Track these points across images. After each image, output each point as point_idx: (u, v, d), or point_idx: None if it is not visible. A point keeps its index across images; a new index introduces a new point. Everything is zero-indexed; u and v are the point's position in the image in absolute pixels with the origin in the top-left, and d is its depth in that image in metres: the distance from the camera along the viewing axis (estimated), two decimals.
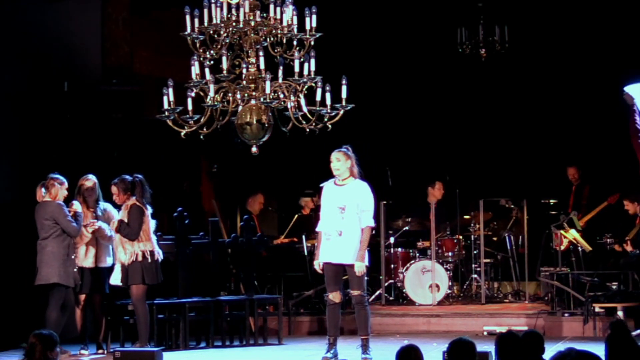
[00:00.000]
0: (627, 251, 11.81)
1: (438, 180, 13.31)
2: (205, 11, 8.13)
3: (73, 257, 9.86)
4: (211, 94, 8.14)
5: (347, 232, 9.02)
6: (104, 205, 10.27)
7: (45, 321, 9.54)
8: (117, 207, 10.12)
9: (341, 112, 8.21)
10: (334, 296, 9.09)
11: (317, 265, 9.21)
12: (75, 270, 9.85)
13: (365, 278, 9.30)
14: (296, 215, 13.00)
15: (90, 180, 10.19)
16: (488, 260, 13.08)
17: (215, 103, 8.20)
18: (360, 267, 9.05)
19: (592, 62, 13.77)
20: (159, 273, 9.94)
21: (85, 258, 10.09)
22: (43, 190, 9.88)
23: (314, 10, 8.12)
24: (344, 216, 9.04)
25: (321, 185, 9.36)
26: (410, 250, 13.01)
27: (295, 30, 8.22)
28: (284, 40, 8.23)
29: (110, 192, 10.13)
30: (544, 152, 13.97)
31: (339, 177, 9.12)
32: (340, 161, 9.08)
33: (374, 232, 12.96)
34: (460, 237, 13.05)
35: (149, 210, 9.89)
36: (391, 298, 12.96)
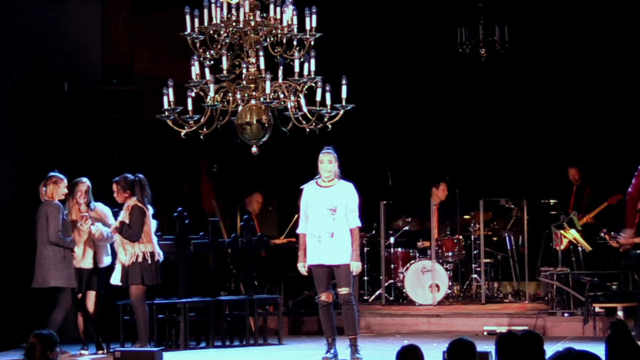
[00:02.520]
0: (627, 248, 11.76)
1: (443, 181, 13.32)
2: (205, 11, 8.13)
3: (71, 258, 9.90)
4: (211, 94, 8.13)
5: (339, 234, 9.02)
6: (94, 204, 10.26)
7: (49, 321, 9.54)
8: (111, 206, 10.11)
9: (341, 112, 8.20)
10: (327, 296, 9.09)
11: (303, 267, 9.19)
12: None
13: (353, 277, 9.27)
14: (296, 215, 12.98)
15: (85, 183, 10.17)
16: (488, 260, 13.08)
17: (215, 103, 8.19)
18: (358, 267, 9.08)
19: (592, 61, 13.77)
20: (159, 274, 9.94)
21: (83, 259, 10.08)
22: (44, 189, 9.90)
23: (314, 10, 8.11)
24: (335, 217, 9.03)
25: (301, 187, 9.33)
26: (410, 250, 13.02)
27: (295, 30, 8.21)
28: (284, 40, 8.22)
29: (105, 192, 10.15)
30: (545, 152, 13.97)
31: (327, 178, 9.11)
32: (332, 163, 9.09)
33: (374, 232, 13.08)
34: (460, 237, 13.06)
35: (150, 211, 9.88)
36: (391, 298, 12.97)
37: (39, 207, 9.86)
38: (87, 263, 10.10)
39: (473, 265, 13.08)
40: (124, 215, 9.84)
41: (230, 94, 8.27)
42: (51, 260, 9.75)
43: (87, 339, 10.24)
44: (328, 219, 9.04)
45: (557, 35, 13.89)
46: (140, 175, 9.96)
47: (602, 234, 11.74)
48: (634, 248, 11.68)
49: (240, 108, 8.27)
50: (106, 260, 10.20)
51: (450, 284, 12.67)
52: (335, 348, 9.15)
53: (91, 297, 10.18)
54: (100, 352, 10.17)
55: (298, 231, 9.37)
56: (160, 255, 9.96)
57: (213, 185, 13.79)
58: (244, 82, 8.22)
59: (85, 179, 10.19)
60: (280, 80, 8.22)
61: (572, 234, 12.28)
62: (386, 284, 12.86)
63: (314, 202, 9.14)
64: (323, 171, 9.10)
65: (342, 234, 9.03)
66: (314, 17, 8.12)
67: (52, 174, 9.95)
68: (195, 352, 10.34)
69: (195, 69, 8.16)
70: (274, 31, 8.20)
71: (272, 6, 8.18)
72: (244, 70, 8.24)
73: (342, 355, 9.13)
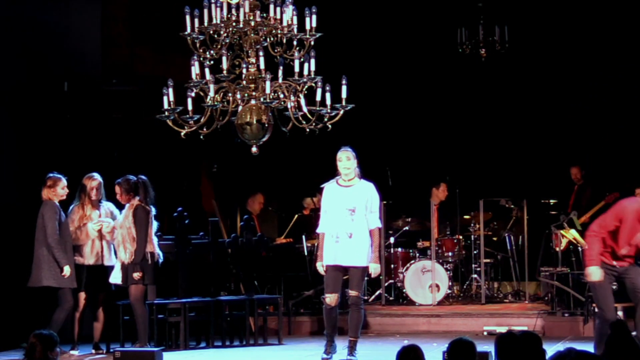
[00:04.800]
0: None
1: (443, 181, 13.32)
2: (205, 11, 8.12)
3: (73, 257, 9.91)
4: (211, 94, 8.13)
5: (357, 234, 8.96)
6: (106, 204, 10.27)
7: (50, 321, 9.55)
8: (120, 206, 10.13)
9: (341, 112, 8.20)
10: (331, 299, 9.02)
11: (321, 266, 9.12)
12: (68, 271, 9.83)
13: (365, 281, 9.25)
14: (296, 215, 12.99)
15: (96, 179, 10.18)
16: (488, 260, 13.08)
17: (215, 103, 8.19)
18: (377, 269, 9.06)
19: (592, 61, 13.77)
20: (159, 274, 9.94)
21: (90, 256, 10.09)
22: (43, 191, 9.92)
23: (314, 10, 8.11)
24: (354, 218, 8.97)
25: (322, 186, 9.30)
26: (410, 250, 13.02)
27: (295, 30, 8.21)
28: (284, 40, 8.22)
29: (112, 191, 10.15)
30: (545, 152, 13.98)
31: (347, 177, 9.07)
32: (350, 160, 9.03)
33: None
34: (460, 237, 13.06)
35: (152, 212, 9.89)
36: (391, 298, 12.97)
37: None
38: (93, 260, 10.10)
39: (473, 265, 13.08)
40: (126, 213, 9.85)
41: (230, 94, 8.26)
42: (45, 260, 9.76)
43: (79, 339, 10.20)
44: (347, 219, 8.98)
45: (557, 35, 13.90)
46: (143, 177, 9.96)
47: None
48: None
49: (240, 108, 8.27)
50: (113, 259, 10.18)
51: (450, 284, 12.67)
52: (334, 346, 9.13)
53: (101, 297, 10.19)
54: (100, 352, 10.16)
55: (318, 230, 9.30)
56: (159, 256, 9.97)
57: (213, 185, 13.79)
58: (244, 82, 8.21)
59: (96, 175, 10.19)
60: (280, 80, 8.21)
61: (572, 234, 12.28)
62: (386, 284, 12.86)
63: (333, 202, 9.08)
64: (342, 169, 9.04)
65: (360, 235, 8.97)
66: (314, 17, 8.11)
67: (50, 175, 9.95)
68: (195, 352, 10.34)
69: (195, 69, 8.15)
70: (274, 31, 8.20)
71: (272, 6, 8.18)
72: (244, 70, 8.23)
73: (340, 356, 9.10)
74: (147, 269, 9.82)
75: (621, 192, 12.29)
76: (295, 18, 8.20)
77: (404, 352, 5.53)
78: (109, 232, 10.07)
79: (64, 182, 9.96)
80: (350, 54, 13.55)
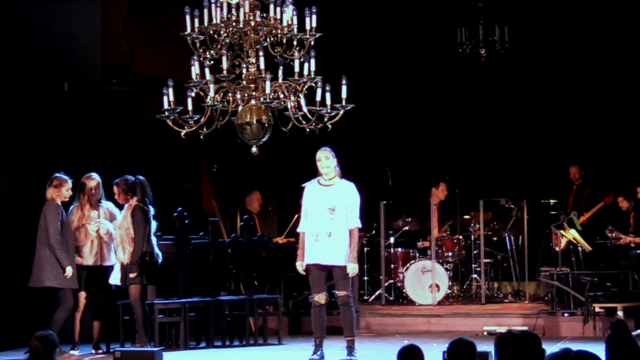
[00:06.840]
0: (631, 247, 11.78)
1: (442, 181, 13.32)
2: (205, 11, 8.13)
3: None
4: (211, 94, 8.14)
5: (337, 234, 8.97)
6: (106, 204, 10.28)
7: (51, 321, 9.55)
8: (119, 206, 10.13)
9: (341, 112, 8.20)
10: (320, 297, 9.04)
11: (301, 266, 9.15)
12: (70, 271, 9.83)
13: (351, 279, 9.22)
14: (296, 215, 12.98)
15: (94, 179, 10.18)
16: (488, 260, 13.08)
17: (215, 103, 8.20)
18: (354, 269, 9.03)
19: (592, 61, 13.77)
20: (159, 274, 9.95)
21: (90, 256, 10.09)
22: (48, 190, 9.93)
23: (314, 10, 8.12)
24: (334, 217, 8.98)
25: (303, 185, 9.31)
26: (410, 250, 13.02)
27: (295, 30, 8.21)
28: (284, 40, 8.23)
29: (105, 192, 10.16)
30: (544, 152, 13.98)
31: (326, 176, 9.08)
32: (329, 159, 9.05)
33: (374, 232, 13.08)
34: (460, 237, 13.06)
35: (151, 212, 9.89)
36: (391, 298, 12.97)
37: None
38: (92, 260, 10.10)
39: (473, 265, 13.08)
40: (124, 214, 9.87)
41: (230, 94, 8.27)
42: (47, 260, 9.76)
43: (79, 339, 10.19)
44: (327, 218, 9.00)
45: (557, 35, 13.90)
46: (141, 177, 9.97)
47: (608, 232, 11.75)
48: (635, 248, 11.71)
49: (240, 108, 8.27)
50: (113, 259, 10.18)
51: (450, 284, 12.67)
52: (322, 350, 9.10)
53: (100, 297, 10.18)
54: (100, 351, 10.16)
55: (298, 230, 9.33)
56: (159, 256, 9.97)
57: (213, 185, 13.79)
58: (244, 82, 8.22)
59: (95, 175, 10.19)
60: (280, 80, 8.22)
61: (572, 234, 12.29)
62: (386, 284, 12.86)
63: (314, 201, 9.11)
64: (322, 168, 9.07)
65: (340, 234, 8.98)
66: (314, 17, 8.12)
67: (56, 175, 9.95)
68: (195, 352, 10.34)
69: (195, 69, 8.16)
70: (274, 31, 8.21)
71: (272, 6, 8.18)
72: (244, 70, 8.24)
73: (339, 356, 9.08)
74: (147, 269, 9.82)
75: (621, 192, 12.31)
76: (295, 18, 8.20)
77: (404, 352, 5.53)
78: (105, 233, 10.07)
79: (69, 184, 9.97)
80: (350, 54, 13.55)
